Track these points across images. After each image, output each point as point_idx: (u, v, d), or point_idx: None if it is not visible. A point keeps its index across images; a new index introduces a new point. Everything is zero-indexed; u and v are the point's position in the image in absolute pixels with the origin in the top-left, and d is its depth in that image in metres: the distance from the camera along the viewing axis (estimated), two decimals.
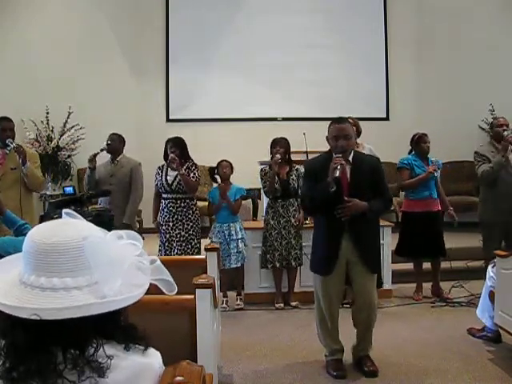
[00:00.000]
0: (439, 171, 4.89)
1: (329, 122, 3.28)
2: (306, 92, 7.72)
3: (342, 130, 3.15)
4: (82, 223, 1.07)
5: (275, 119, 7.72)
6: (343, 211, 3.10)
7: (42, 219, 2.97)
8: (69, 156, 7.36)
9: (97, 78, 7.47)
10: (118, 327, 1.05)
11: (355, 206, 3.10)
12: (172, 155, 4.40)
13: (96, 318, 0.98)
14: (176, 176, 4.49)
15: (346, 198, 3.09)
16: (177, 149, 4.47)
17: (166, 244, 4.50)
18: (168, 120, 7.82)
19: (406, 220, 4.93)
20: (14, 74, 7.23)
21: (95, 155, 4.63)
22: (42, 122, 7.24)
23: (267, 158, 5.78)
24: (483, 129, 7.68)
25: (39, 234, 1.01)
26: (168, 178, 4.53)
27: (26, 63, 7.26)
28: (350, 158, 3.22)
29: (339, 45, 7.86)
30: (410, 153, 4.99)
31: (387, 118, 7.97)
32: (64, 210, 1.16)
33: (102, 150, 4.67)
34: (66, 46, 7.36)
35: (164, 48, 7.82)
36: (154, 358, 1.09)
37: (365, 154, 3.88)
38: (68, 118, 7.27)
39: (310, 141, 5.28)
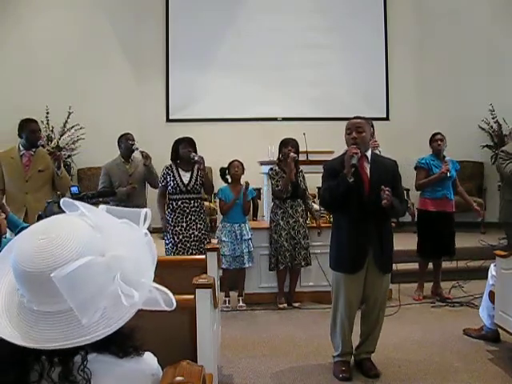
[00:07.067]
0: (454, 172, 4.84)
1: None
2: (306, 92, 7.72)
3: (355, 123, 3.21)
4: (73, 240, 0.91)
5: (275, 119, 7.73)
6: (386, 195, 3.02)
7: (39, 218, 2.96)
8: (69, 156, 7.37)
9: (97, 78, 7.49)
10: (113, 341, 0.98)
11: (390, 196, 3.04)
12: (200, 155, 4.35)
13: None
14: (191, 177, 4.44)
15: (382, 187, 3.02)
16: (192, 148, 4.42)
17: (180, 245, 4.40)
18: (168, 120, 7.83)
19: (421, 218, 4.97)
20: (14, 74, 7.24)
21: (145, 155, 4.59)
22: (42, 121, 7.22)
23: (267, 158, 5.78)
24: (483, 129, 7.68)
25: (25, 260, 0.88)
26: (184, 178, 4.44)
27: (26, 63, 7.27)
28: (369, 156, 3.21)
29: (339, 45, 7.88)
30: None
31: (387, 118, 7.98)
32: (62, 200, 1.04)
33: (137, 149, 4.59)
34: (67, 46, 7.38)
35: (164, 48, 7.84)
36: (147, 365, 1.06)
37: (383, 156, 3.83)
38: (68, 118, 7.29)
39: (310, 141, 5.28)
